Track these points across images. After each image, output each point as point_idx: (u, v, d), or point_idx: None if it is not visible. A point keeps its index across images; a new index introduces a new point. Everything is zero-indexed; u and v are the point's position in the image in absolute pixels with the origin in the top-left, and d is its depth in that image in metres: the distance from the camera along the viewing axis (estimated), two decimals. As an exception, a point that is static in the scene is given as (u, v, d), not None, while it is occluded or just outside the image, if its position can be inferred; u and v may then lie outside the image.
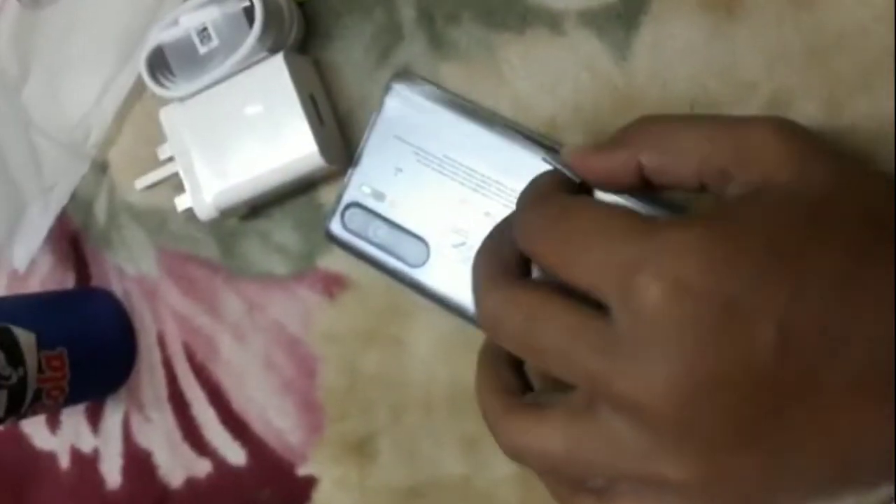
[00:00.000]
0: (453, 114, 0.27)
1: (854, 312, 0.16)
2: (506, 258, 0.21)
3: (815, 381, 0.16)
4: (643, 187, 0.21)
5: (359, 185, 0.29)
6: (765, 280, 0.16)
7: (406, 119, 0.28)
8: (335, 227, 0.30)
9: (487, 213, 0.27)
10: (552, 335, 0.18)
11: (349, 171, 0.29)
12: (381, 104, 0.28)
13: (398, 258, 0.29)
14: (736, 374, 0.16)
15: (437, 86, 0.28)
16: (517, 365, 0.22)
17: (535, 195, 0.22)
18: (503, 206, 0.27)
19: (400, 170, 0.28)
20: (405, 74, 0.28)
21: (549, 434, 0.18)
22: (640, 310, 0.17)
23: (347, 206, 0.29)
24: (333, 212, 0.30)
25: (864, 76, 0.23)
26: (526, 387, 0.21)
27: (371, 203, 0.29)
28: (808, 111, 0.24)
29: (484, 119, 0.27)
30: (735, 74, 0.25)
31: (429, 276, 0.28)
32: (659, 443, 0.17)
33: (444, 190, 0.28)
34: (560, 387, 0.19)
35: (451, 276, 0.28)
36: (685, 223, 0.17)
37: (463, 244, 0.27)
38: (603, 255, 0.18)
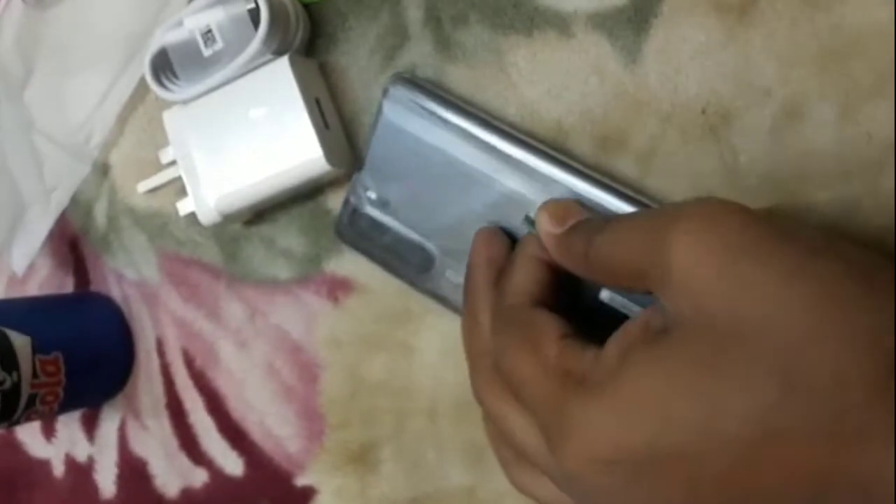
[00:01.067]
0: (453, 117, 0.27)
1: None
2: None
3: None
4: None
5: (363, 190, 0.29)
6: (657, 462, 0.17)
7: (407, 123, 0.27)
8: (344, 229, 0.29)
9: (491, 219, 0.26)
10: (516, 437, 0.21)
11: (354, 176, 0.29)
12: (380, 107, 0.28)
13: (405, 263, 0.28)
14: None
15: (437, 88, 0.28)
16: None
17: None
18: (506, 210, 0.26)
19: (402, 175, 0.28)
20: (404, 77, 0.28)
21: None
22: (573, 478, 0.19)
23: (353, 211, 0.29)
24: (341, 214, 0.29)
25: (882, 81, 0.23)
26: None
27: (375, 209, 0.29)
28: (823, 116, 0.23)
29: (485, 123, 0.27)
30: (748, 79, 0.24)
31: (436, 281, 0.28)
32: None
33: (446, 195, 0.27)
34: None
35: (458, 281, 0.27)
36: (592, 394, 0.18)
37: (469, 249, 0.27)
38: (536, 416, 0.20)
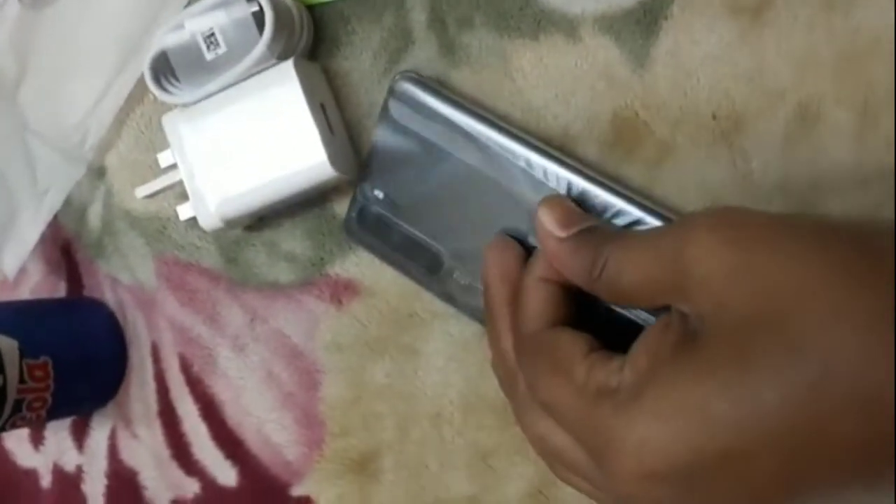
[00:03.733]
0: (459, 116, 0.26)
1: None
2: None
3: None
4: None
5: (370, 189, 0.28)
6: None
7: (412, 122, 0.27)
8: (352, 226, 0.29)
9: (498, 220, 0.26)
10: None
11: (361, 174, 0.29)
12: (385, 106, 0.28)
13: (413, 262, 0.28)
14: None
15: (443, 87, 0.27)
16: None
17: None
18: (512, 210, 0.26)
19: (408, 174, 0.27)
20: (409, 76, 0.28)
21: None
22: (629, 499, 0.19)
23: (361, 209, 0.29)
24: (349, 211, 0.29)
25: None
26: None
27: (382, 209, 0.28)
28: (839, 122, 0.23)
29: (491, 122, 0.26)
30: (762, 82, 0.24)
31: (444, 283, 0.27)
32: None
33: (453, 195, 0.27)
34: None
35: (466, 283, 0.27)
36: (629, 407, 0.18)
37: (476, 250, 0.26)
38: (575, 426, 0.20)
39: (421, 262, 0.28)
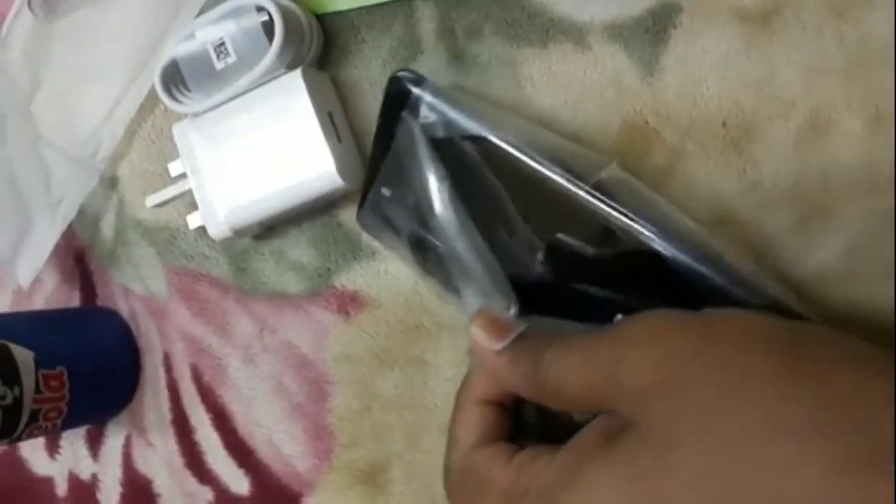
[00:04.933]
0: (475, 118, 0.26)
1: None
2: None
3: None
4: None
5: (378, 186, 0.28)
6: None
7: (428, 122, 0.26)
8: (365, 218, 0.29)
9: (507, 214, 0.26)
10: None
11: (373, 169, 0.28)
12: (389, 97, 0.27)
13: (421, 260, 0.27)
14: None
15: (454, 92, 0.27)
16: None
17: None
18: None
19: (416, 176, 0.27)
20: (419, 78, 0.27)
21: None
22: None
23: (374, 202, 0.28)
24: (361, 202, 0.29)
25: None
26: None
27: (389, 207, 0.28)
28: (850, 128, 0.23)
29: (501, 128, 0.26)
30: (771, 90, 0.24)
31: (451, 284, 0.27)
32: None
33: (459, 198, 0.26)
34: None
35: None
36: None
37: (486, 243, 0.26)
38: None
39: (428, 260, 0.27)
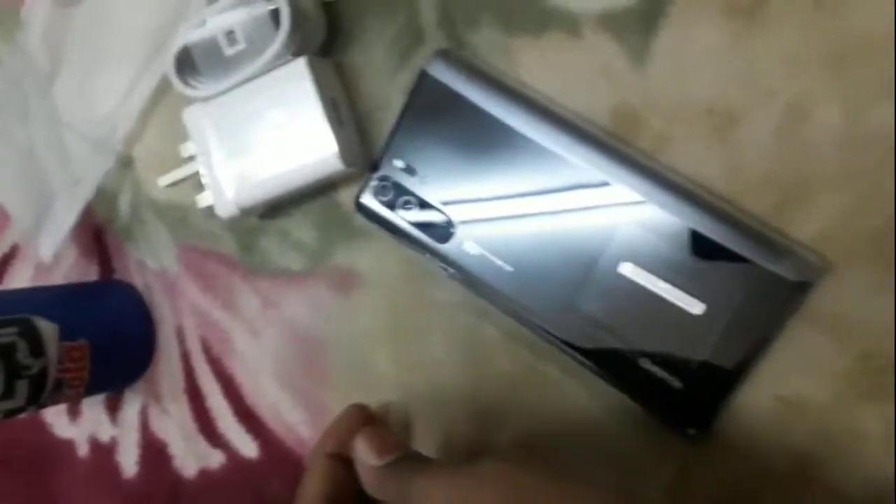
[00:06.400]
0: (489, 93, 0.27)
1: None
2: None
3: None
4: None
5: (392, 158, 0.29)
6: None
7: (442, 96, 0.27)
8: (366, 198, 0.29)
9: (515, 196, 0.27)
10: None
11: (384, 144, 0.29)
12: (419, 79, 0.28)
13: (424, 232, 0.28)
14: None
15: (476, 64, 0.28)
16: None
17: None
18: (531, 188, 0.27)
19: (432, 146, 0.28)
20: (444, 52, 0.28)
21: None
22: None
23: (380, 179, 0.29)
24: (366, 183, 0.29)
25: (890, 84, 0.22)
26: None
27: (402, 177, 0.29)
28: (828, 118, 0.23)
29: (520, 99, 0.27)
30: (755, 80, 0.24)
31: (454, 252, 0.28)
32: None
33: (474, 169, 0.27)
34: None
35: (476, 252, 0.27)
36: None
37: (489, 221, 0.27)
38: None
39: (431, 233, 0.28)
